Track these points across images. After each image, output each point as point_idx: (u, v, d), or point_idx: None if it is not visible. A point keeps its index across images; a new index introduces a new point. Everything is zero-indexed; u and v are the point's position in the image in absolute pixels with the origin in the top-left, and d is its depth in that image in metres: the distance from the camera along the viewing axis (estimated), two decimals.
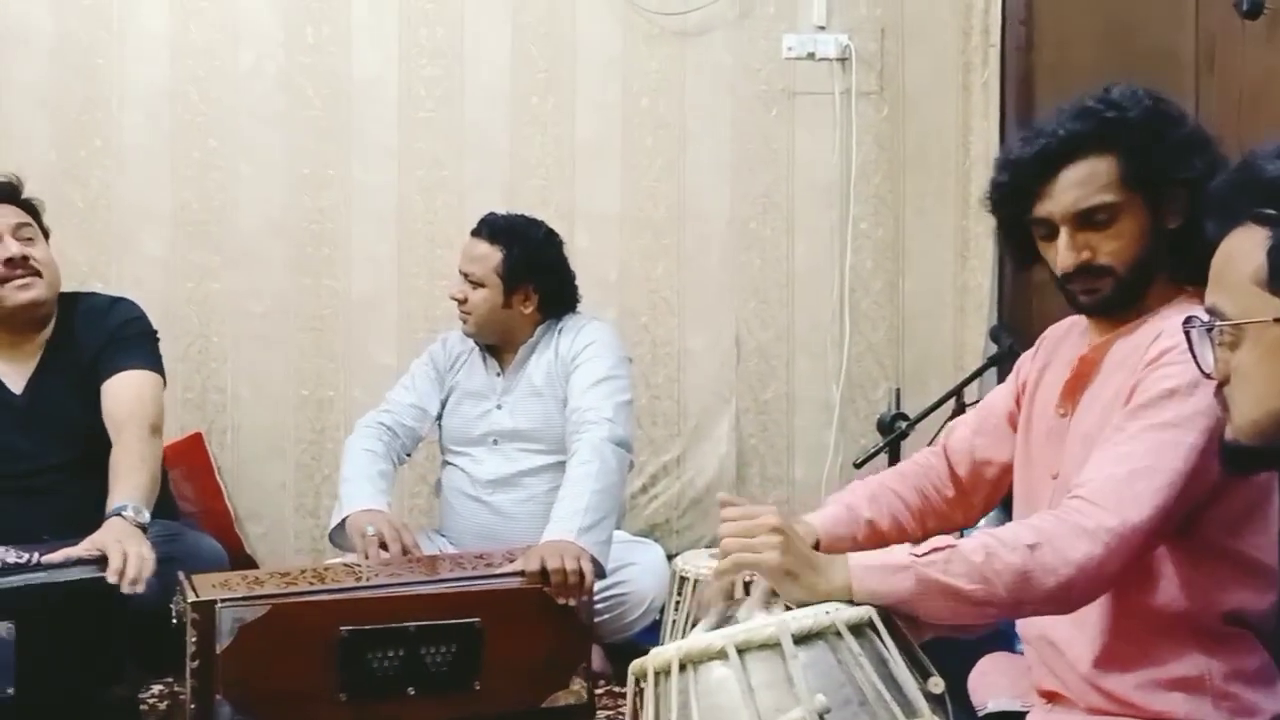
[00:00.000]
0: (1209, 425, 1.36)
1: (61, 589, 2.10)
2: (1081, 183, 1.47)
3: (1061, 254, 1.49)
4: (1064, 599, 1.36)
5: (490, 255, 2.71)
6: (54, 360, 2.50)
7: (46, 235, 2.55)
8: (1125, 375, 1.46)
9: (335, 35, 3.28)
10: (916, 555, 1.35)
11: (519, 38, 3.31)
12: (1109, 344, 1.52)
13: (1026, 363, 1.69)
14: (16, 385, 2.49)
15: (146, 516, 2.24)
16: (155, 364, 2.52)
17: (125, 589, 2.09)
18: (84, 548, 2.13)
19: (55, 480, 2.44)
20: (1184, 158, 1.46)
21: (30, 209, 2.53)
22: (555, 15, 3.31)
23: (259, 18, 3.27)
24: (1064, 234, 1.49)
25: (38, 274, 2.46)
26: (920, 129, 3.35)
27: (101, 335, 2.49)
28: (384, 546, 2.42)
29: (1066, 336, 1.64)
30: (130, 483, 2.27)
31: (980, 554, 1.33)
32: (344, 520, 2.52)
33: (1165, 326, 1.44)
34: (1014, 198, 1.54)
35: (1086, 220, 1.48)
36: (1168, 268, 1.50)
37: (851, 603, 1.33)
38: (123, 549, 2.11)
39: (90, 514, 2.21)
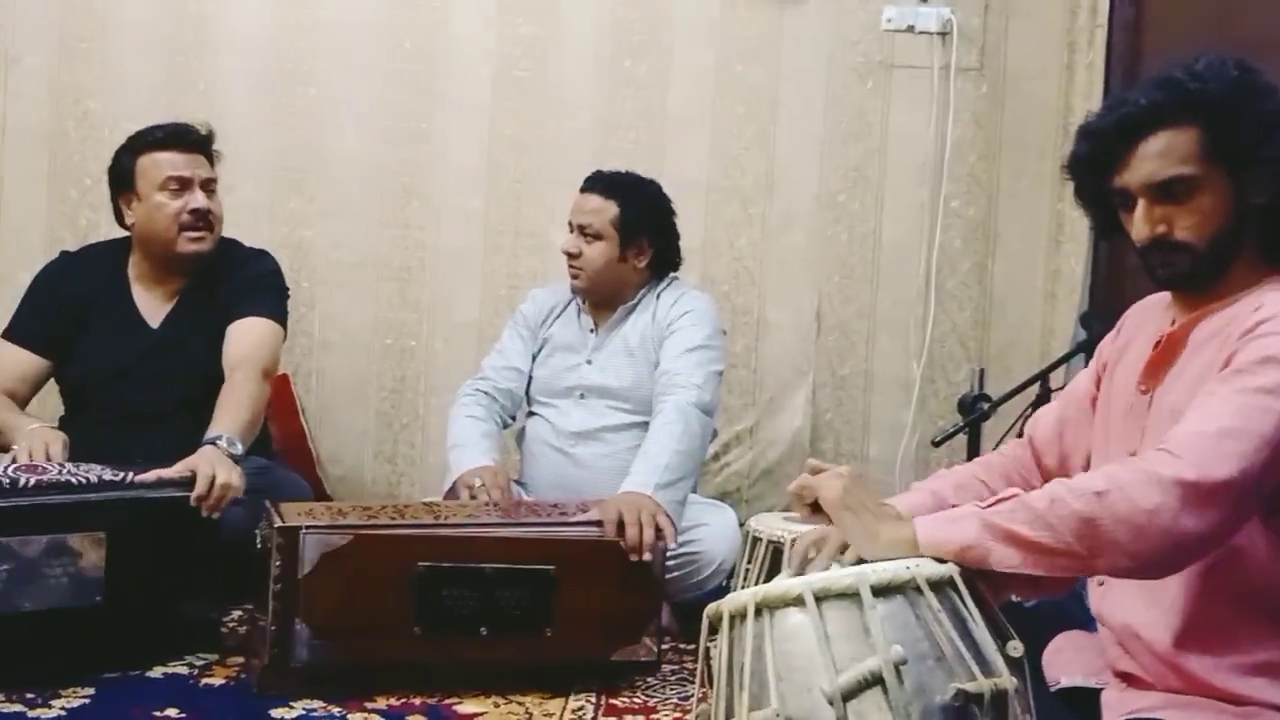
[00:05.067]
0: None
1: (148, 505, 2.19)
2: (1160, 154, 1.45)
3: (1137, 226, 1.47)
4: (1138, 553, 1.29)
5: (606, 208, 2.72)
6: (192, 302, 2.60)
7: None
8: (1215, 350, 1.43)
9: None
10: (982, 505, 1.35)
11: None
12: (1195, 321, 1.49)
13: (1107, 345, 1.67)
14: (154, 319, 2.59)
15: (240, 449, 2.30)
16: (280, 315, 2.61)
17: (204, 513, 2.16)
18: (176, 470, 2.22)
19: (169, 416, 2.51)
20: (1269, 133, 1.43)
21: (212, 160, 2.62)
22: None
23: None
24: (1141, 205, 1.47)
25: (211, 229, 2.57)
26: (1020, 108, 3.27)
27: (238, 283, 2.58)
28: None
29: (1149, 315, 1.61)
30: (231, 417, 2.35)
31: (1045, 500, 1.32)
32: (455, 485, 2.57)
33: (1264, 300, 1.41)
34: (1094, 167, 1.52)
35: (1164, 192, 1.46)
36: (1256, 245, 1.47)
37: (937, 561, 1.32)
38: (211, 473, 2.18)
39: (193, 451, 2.28)
